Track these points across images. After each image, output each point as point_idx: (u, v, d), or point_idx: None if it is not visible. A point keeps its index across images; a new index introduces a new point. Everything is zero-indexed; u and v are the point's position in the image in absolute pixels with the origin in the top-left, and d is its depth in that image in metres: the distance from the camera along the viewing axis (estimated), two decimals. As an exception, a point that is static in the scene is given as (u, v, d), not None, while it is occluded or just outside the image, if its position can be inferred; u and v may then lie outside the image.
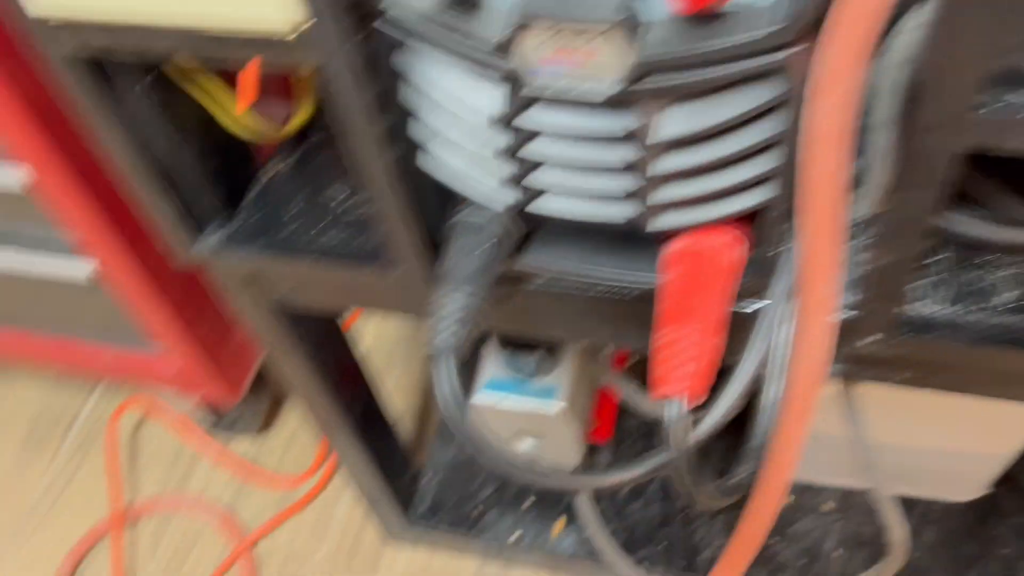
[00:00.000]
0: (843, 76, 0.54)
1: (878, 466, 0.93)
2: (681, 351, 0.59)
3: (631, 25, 0.51)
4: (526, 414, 1.09)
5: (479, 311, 0.63)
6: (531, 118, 0.59)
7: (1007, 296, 0.67)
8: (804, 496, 1.27)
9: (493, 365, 1.11)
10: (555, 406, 1.08)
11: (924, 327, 0.66)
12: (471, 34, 0.55)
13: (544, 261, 0.71)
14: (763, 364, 0.65)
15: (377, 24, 0.57)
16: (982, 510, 1.25)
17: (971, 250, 0.69)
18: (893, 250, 0.60)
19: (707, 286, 0.63)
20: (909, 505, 1.23)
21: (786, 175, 0.59)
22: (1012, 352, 0.64)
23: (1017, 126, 0.49)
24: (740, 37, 0.51)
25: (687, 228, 0.63)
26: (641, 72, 0.53)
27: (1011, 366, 0.66)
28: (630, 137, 0.58)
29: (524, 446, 1.16)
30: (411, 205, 0.67)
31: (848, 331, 0.67)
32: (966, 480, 1.21)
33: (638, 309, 0.69)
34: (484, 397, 1.10)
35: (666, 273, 0.64)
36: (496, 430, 1.14)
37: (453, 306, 0.62)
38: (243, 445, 1.55)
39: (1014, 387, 0.69)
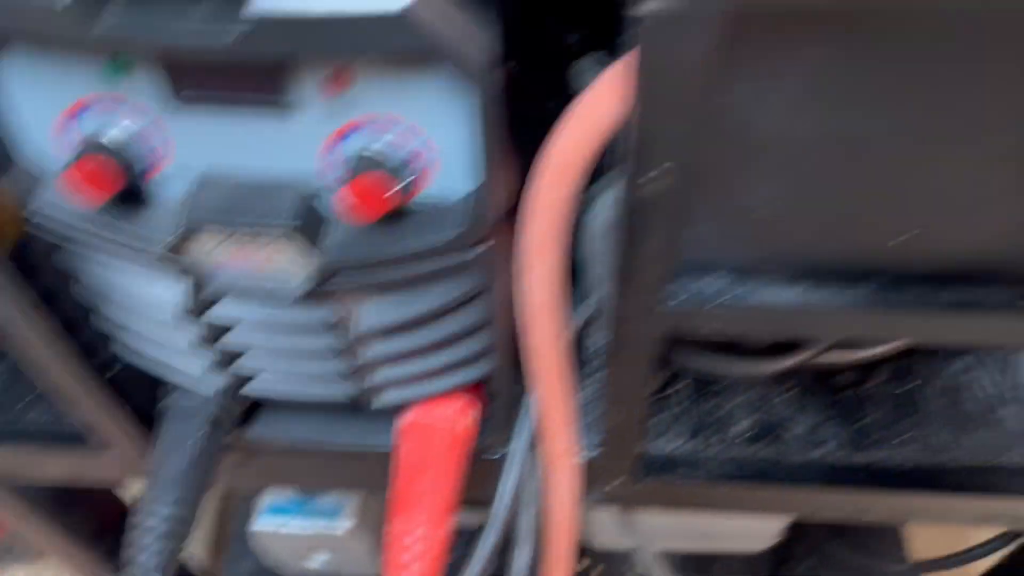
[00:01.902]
0: (542, 255, 0.52)
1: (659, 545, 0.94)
2: (409, 546, 0.56)
3: (308, 231, 0.47)
4: (313, 536, 1.03)
5: (188, 520, 0.56)
6: (221, 312, 0.53)
7: (744, 424, 0.68)
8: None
9: (273, 485, 1.04)
10: (342, 525, 1.02)
11: (665, 466, 0.66)
12: (140, 236, 0.49)
13: (275, 432, 0.65)
14: (511, 517, 0.63)
15: (28, 228, 0.50)
16: (777, 556, 1.30)
17: (707, 380, 0.70)
18: (621, 406, 0.59)
19: (438, 459, 0.59)
20: (709, 560, 1.27)
21: (505, 345, 0.56)
22: (748, 485, 0.65)
23: (708, 314, 0.48)
24: (424, 240, 0.47)
25: (415, 401, 0.60)
26: (327, 273, 0.49)
27: (749, 496, 0.66)
28: (333, 327, 0.53)
29: (318, 562, 1.10)
30: (110, 392, 0.60)
31: (594, 474, 0.66)
32: (755, 535, 1.25)
33: (387, 463, 0.64)
34: (265, 523, 1.03)
35: (398, 446, 0.61)
36: (284, 554, 1.07)
37: (156, 519, 0.55)
38: (19, 573, 1.41)
39: (759, 508, 0.70)
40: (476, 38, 0.39)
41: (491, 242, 0.48)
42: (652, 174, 0.40)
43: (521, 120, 0.49)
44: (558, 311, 0.57)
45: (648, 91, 0.36)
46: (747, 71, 0.37)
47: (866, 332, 0.50)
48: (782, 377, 0.70)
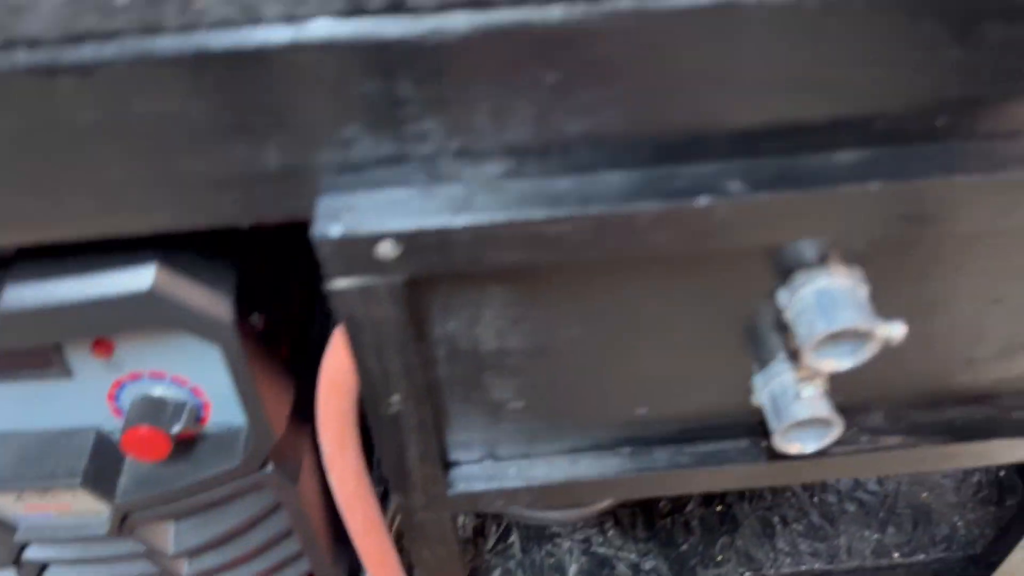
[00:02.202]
0: (341, 454, 0.56)
1: None
2: None
3: (99, 480, 0.50)
4: None
5: None
6: (34, 556, 0.55)
7: (574, 568, 0.72)
8: None
9: None
10: None
11: (506, 621, 0.69)
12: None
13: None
14: None
15: None
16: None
17: (538, 528, 0.74)
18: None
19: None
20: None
21: (320, 542, 0.59)
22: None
23: (488, 496, 0.53)
24: (210, 470, 0.51)
25: (244, 603, 0.62)
26: (125, 512, 0.51)
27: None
28: (146, 554, 0.55)
29: None
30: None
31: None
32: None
33: None
34: None
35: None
36: None
37: None
38: None
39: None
40: (216, 303, 0.44)
41: (273, 465, 0.52)
42: (389, 401, 0.44)
43: (291, 349, 0.53)
44: (367, 500, 0.60)
45: (357, 344, 0.41)
46: (452, 310, 0.43)
47: (628, 493, 0.55)
48: (605, 515, 0.74)
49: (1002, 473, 0.75)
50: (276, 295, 0.49)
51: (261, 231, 0.47)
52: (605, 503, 0.72)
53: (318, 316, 0.57)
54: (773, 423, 0.46)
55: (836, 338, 0.41)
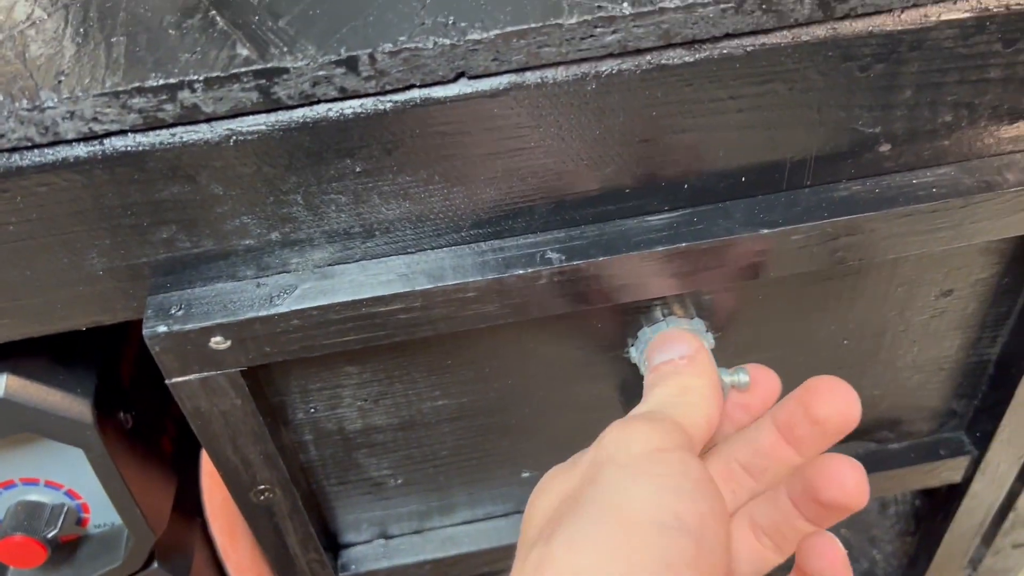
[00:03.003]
0: (232, 550, 0.55)
1: None
2: None
3: (-24, 591, 0.49)
4: None
5: None
6: None
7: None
8: None
9: None
10: None
11: None
12: None
13: None
14: None
15: None
16: None
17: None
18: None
19: None
20: None
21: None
22: None
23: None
24: (93, 573, 0.50)
25: None
26: (9, 624, 0.50)
27: None
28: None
29: None
30: None
31: None
32: None
33: None
34: None
35: None
36: None
37: None
38: None
39: None
40: (76, 406, 0.44)
41: (159, 562, 0.51)
42: (257, 490, 0.44)
43: (169, 444, 0.53)
44: (271, 588, 0.60)
45: (207, 436, 0.41)
46: (311, 393, 0.43)
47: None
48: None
49: (917, 503, 0.76)
50: (149, 391, 0.49)
51: (127, 327, 0.48)
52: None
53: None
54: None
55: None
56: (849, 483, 0.30)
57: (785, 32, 0.34)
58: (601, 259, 0.37)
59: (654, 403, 0.34)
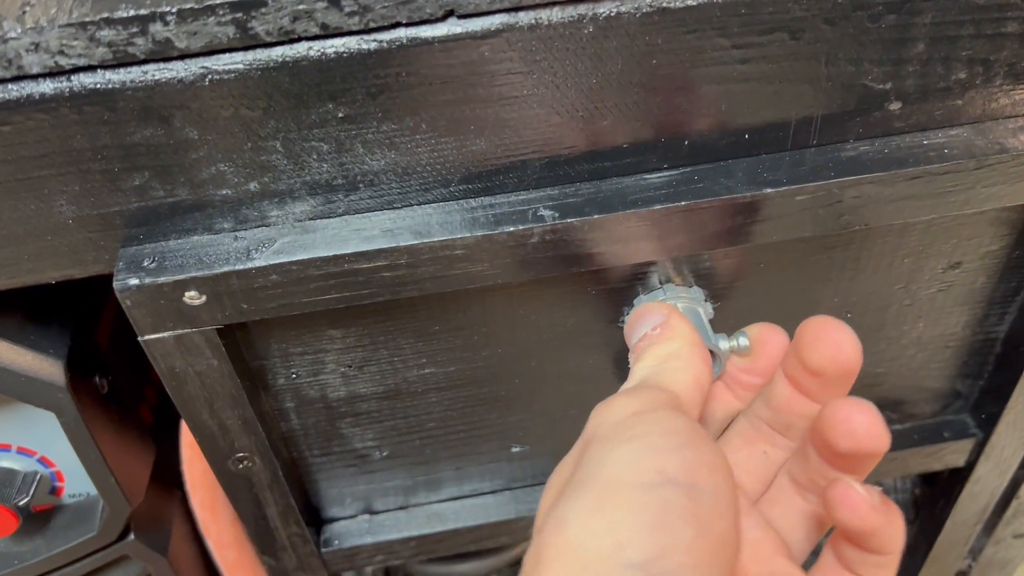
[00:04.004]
0: (212, 524, 0.54)
1: None
2: None
3: (-56, 560, 0.47)
4: None
5: None
6: None
7: (488, 621, 0.69)
8: None
9: None
10: None
11: None
12: None
13: None
14: None
15: None
16: None
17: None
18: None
19: None
20: None
21: (206, 612, 0.57)
22: None
23: (367, 551, 0.51)
24: (67, 544, 0.48)
25: None
26: (-21, 595, 0.49)
27: None
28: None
29: None
30: None
31: None
32: None
33: None
34: None
35: None
36: None
37: None
38: None
39: None
40: (47, 367, 0.42)
41: (135, 533, 0.50)
42: (236, 457, 0.43)
43: (148, 412, 0.52)
44: (251, 565, 0.58)
45: (182, 398, 0.39)
46: (292, 357, 0.42)
47: (516, 539, 0.53)
48: (517, 564, 0.72)
49: (917, 490, 0.74)
50: (128, 356, 0.48)
51: (105, 286, 0.46)
52: (515, 551, 0.70)
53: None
54: (639, 454, 0.45)
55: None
56: (860, 429, 0.28)
57: (793, -24, 0.32)
58: (596, 217, 0.35)
59: (637, 378, 0.33)
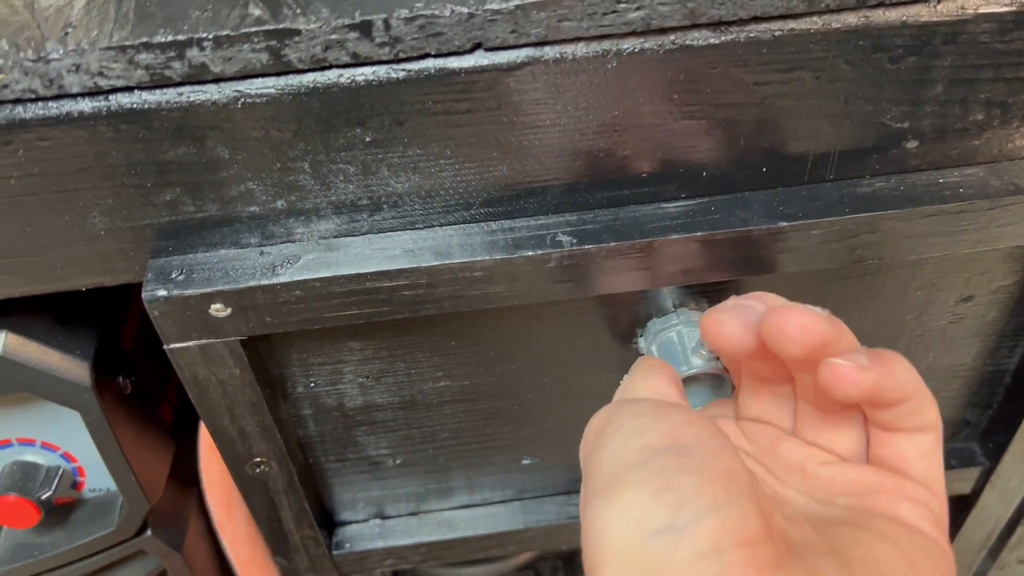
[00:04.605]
0: (228, 522, 0.55)
1: None
2: None
3: (-33, 548, 0.49)
4: None
5: None
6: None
7: (493, 624, 0.70)
8: None
9: None
10: None
11: None
12: None
13: None
14: None
15: None
16: None
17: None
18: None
19: None
20: None
21: (218, 607, 0.58)
22: None
23: (378, 554, 0.52)
24: (86, 538, 0.50)
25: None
26: (0, 582, 0.50)
27: None
28: (30, 626, 0.54)
29: None
30: None
31: None
32: None
33: None
34: None
35: None
36: None
37: None
38: None
39: None
40: (75, 368, 0.43)
41: (152, 529, 0.51)
42: (253, 463, 0.44)
43: (168, 411, 0.53)
44: (264, 564, 0.59)
45: (204, 405, 0.40)
46: (312, 367, 0.43)
47: (523, 548, 0.54)
48: (524, 569, 0.73)
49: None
50: (151, 358, 0.49)
51: (131, 291, 0.47)
52: (523, 556, 0.71)
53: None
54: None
55: (694, 381, 0.41)
56: (792, 331, 0.29)
57: (815, 18, 0.33)
58: (613, 244, 0.36)
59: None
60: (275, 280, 0.36)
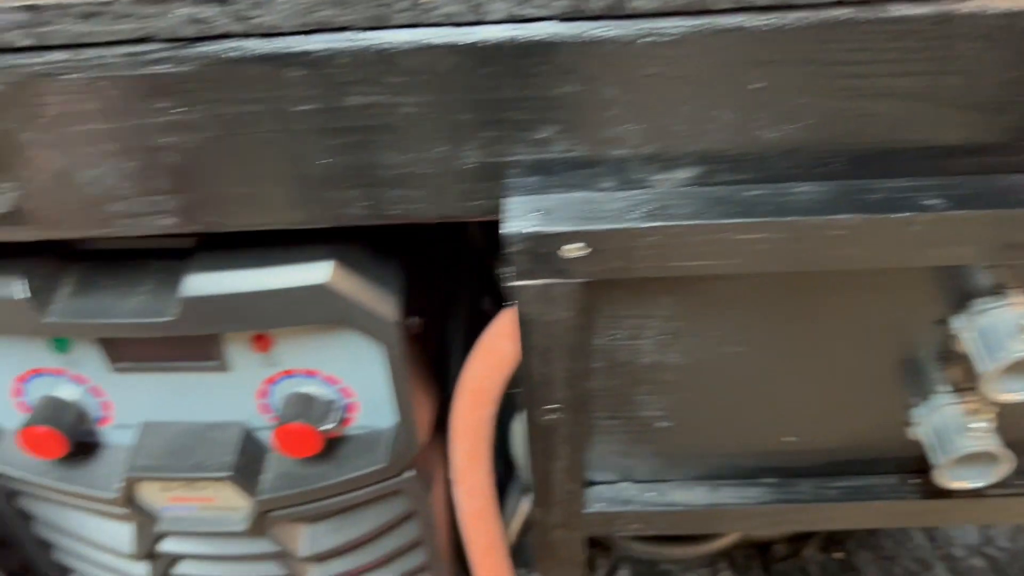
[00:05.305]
0: (471, 469, 0.56)
1: None
2: None
3: (245, 475, 0.51)
4: None
5: None
6: (169, 549, 0.56)
7: (687, 606, 0.70)
8: None
9: None
10: None
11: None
12: (89, 486, 0.52)
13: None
14: None
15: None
16: None
17: (649, 563, 0.72)
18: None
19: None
20: None
21: (444, 557, 0.59)
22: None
23: (624, 518, 0.52)
24: (353, 472, 0.51)
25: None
26: (264, 509, 0.52)
27: None
28: (276, 555, 0.56)
29: None
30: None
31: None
32: None
33: None
34: None
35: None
36: None
37: None
38: None
39: None
40: (384, 303, 0.44)
41: (414, 470, 0.52)
42: (547, 408, 0.44)
43: (435, 357, 0.54)
44: (492, 518, 0.60)
45: (527, 345, 0.41)
46: (619, 319, 0.43)
47: (769, 525, 0.53)
48: (719, 555, 0.73)
49: None
50: (433, 301, 0.50)
51: (426, 236, 0.48)
52: (722, 542, 0.70)
53: (458, 326, 0.57)
54: (936, 457, 0.45)
55: (1018, 368, 0.39)
56: None
57: None
58: (987, 211, 0.35)
59: None
60: (633, 225, 0.36)
